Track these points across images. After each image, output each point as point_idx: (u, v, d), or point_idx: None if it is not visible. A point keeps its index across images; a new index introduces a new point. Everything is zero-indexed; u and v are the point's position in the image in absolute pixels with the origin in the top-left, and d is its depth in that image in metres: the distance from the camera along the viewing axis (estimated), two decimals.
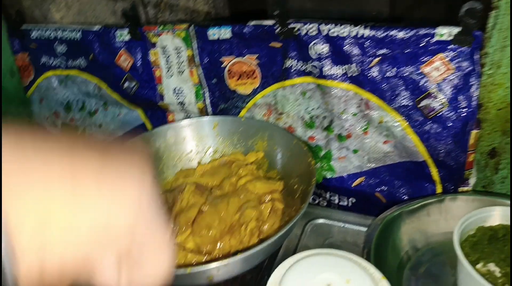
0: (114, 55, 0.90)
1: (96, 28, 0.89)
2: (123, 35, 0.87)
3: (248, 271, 0.68)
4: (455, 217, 0.68)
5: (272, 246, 0.58)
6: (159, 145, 0.85)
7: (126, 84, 0.93)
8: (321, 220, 0.79)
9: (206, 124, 0.87)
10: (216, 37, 0.79)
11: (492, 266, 0.54)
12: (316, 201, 0.90)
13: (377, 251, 0.60)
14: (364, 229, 0.75)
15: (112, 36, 0.88)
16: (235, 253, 0.59)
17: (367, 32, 0.66)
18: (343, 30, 0.68)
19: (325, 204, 0.89)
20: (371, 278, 0.49)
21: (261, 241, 0.67)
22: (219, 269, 0.51)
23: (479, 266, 0.54)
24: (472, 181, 0.72)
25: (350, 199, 0.85)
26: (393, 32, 0.65)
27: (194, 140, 0.88)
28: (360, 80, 0.71)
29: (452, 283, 0.60)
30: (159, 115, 0.98)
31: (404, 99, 0.69)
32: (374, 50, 0.68)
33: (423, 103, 0.68)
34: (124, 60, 0.90)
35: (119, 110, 1.01)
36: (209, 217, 0.67)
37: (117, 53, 0.90)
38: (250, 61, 0.80)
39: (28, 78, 1.06)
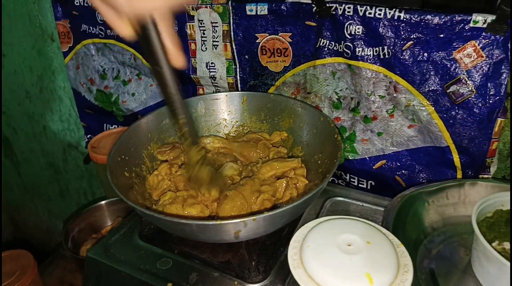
0: None
1: None
2: None
3: (268, 237, 0.71)
4: (473, 202, 0.70)
5: (296, 209, 0.61)
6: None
7: None
8: (340, 198, 0.82)
9: (236, 98, 0.90)
10: (253, 12, 0.81)
11: (507, 245, 0.56)
12: (336, 182, 0.93)
13: (395, 226, 0.63)
14: (381, 209, 0.78)
15: None
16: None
17: (402, 15, 0.68)
18: (380, 12, 0.70)
19: (343, 185, 0.92)
20: (390, 242, 0.51)
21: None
22: (246, 224, 0.54)
23: (494, 244, 0.56)
24: (492, 169, 0.74)
25: (369, 182, 0.88)
26: (428, 17, 0.67)
27: (223, 113, 0.91)
28: (391, 63, 0.73)
29: (466, 263, 0.63)
30: (189, 88, 1.01)
31: (433, 83, 0.71)
32: (407, 34, 0.69)
33: (451, 88, 0.70)
34: None
35: (152, 80, 1.05)
36: (232, 201, 0.69)
37: None
38: (283, 38, 0.82)
39: (67, 45, 1.11)
